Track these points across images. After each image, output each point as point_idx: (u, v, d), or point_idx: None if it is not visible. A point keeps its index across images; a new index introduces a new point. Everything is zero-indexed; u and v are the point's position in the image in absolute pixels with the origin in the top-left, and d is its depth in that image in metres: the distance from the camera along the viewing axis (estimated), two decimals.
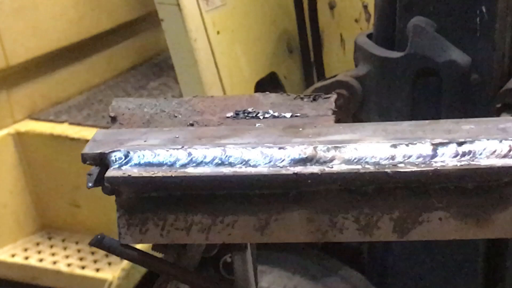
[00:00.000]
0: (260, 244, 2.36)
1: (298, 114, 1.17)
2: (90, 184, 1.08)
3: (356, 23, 2.63)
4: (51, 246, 2.76)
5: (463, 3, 2.07)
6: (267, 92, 1.24)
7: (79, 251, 2.73)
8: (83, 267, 2.65)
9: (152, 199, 1.04)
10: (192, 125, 1.19)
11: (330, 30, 2.66)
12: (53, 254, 2.71)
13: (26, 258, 2.70)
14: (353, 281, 2.43)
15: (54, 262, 2.67)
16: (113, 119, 1.21)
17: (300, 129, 1.08)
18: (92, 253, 2.70)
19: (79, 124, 2.78)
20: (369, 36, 2.31)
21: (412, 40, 2.12)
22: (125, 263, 2.53)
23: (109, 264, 2.64)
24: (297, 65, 2.70)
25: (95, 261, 2.67)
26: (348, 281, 2.43)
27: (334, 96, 1.21)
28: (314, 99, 1.21)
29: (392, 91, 2.25)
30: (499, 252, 2.34)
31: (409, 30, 2.14)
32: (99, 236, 1.11)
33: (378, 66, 2.26)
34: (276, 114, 1.17)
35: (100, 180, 1.07)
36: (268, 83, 2.59)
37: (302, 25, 2.61)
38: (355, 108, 2.32)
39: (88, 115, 2.87)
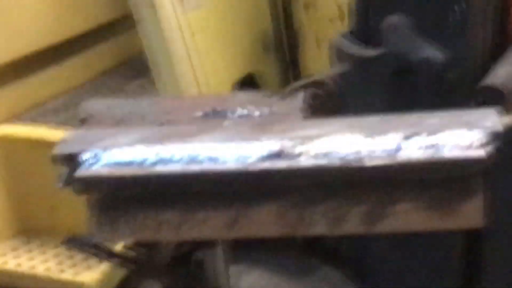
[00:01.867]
0: (239, 244, 2.37)
1: (267, 112, 1.18)
2: (60, 185, 1.09)
3: (331, 23, 2.64)
4: (30, 251, 2.75)
5: (438, 1, 2.08)
6: (237, 91, 1.25)
7: (57, 255, 2.71)
8: (61, 271, 2.64)
9: (123, 198, 1.04)
10: (162, 125, 1.20)
11: (306, 30, 2.67)
12: (31, 259, 2.70)
13: (4, 263, 2.68)
14: (333, 279, 2.44)
15: (33, 267, 2.66)
16: (84, 121, 1.22)
17: (268, 126, 1.09)
18: (71, 257, 2.68)
19: (57, 127, 2.77)
20: (345, 35, 2.32)
21: (387, 39, 2.13)
22: (104, 266, 2.52)
23: (88, 267, 2.63)
24: (274, 66, 2.70)
25: (73, 265, 2.65)
26: (328, 280, 2.43)
27: (302, 94, 1.22)
28: (283, 97, 1.22)
29: (368, 90, 2.26)
30: (476, 249, 2.35)
31: (384, 28, 2.15)
32: (70, 236, 1.12)
33: (353, 65, 2.27)
34: (245, 112, 1.18)
35: (70, 180, 1.07)
36: (245, 84, 2.59)
37: (277, 25, 2.62)
38: (331, 107, 2.33)
39: (66, 118, 2.86)
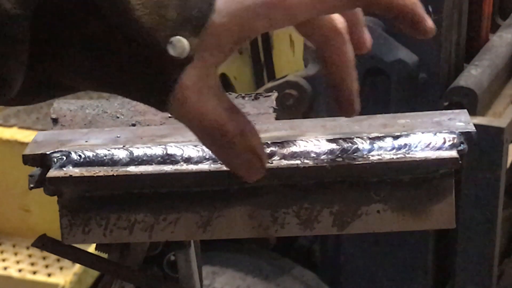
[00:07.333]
0: (212, 245, 2.36)
1: None
2: (31, 185, 1.08)
3: None
4: (2, 252, 2.74)
5: None
6: None
7: (30, 256, 2.71)
8: (34, 272, 2.64)
9: (95, 199, 1.04)
10: (134, 125, 1.20)
11: (279, 31, 2.66)
12: (3, 260, 2.69)
13: None
14: (306, 280, 2.44)
15: (5, 268, 2.65)
16: (55, 121, 1.21)
17: None
18: (44, 258, 2.68)
19: (28, 128, 2.76)
20: None
21: None
22: (77, 267, 2.52)
23: (61, 268, 2.63)
24: (247, 66, 2.70)
25: (46, 266, 2.65)
26: (301, 280, 2.44)
27: (275, 95, 1.22)
28: (256, 98, 1.22)
29: None
30: (448, 249, 2.37)
31: None
32: (42, 237, 1.11)
33: None
34: None
35: (42, 181, 1.06)
36: None
37: None
38: (305, 108, 2.34)
39: (37, 119, 2.85)
